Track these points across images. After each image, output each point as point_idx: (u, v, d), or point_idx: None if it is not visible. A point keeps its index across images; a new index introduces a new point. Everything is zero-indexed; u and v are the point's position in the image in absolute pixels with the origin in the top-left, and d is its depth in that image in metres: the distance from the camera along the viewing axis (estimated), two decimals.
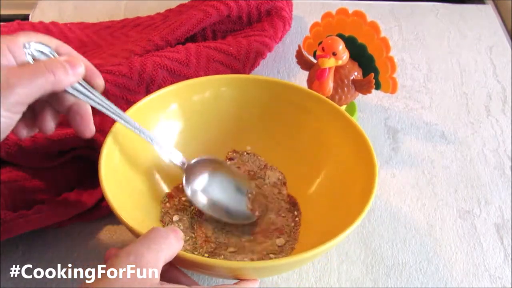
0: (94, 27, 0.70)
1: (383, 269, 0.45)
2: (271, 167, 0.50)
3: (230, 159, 0.50)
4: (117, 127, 0.42)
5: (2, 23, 0.66)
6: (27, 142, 0.45)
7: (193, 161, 0.45)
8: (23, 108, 0.33)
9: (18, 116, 0.33)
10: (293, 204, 0.47)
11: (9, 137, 0.45)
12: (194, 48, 0.58)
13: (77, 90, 0.36)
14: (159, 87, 0.53)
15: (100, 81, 0.39)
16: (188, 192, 0.45)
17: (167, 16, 0.70)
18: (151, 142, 0.42)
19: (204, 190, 0.46)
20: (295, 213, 0.46)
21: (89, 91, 0.37)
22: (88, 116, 0.38)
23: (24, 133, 0.37)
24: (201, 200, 0.45)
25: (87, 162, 0.48)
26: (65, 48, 0.38)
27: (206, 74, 0.57)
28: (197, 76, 0.56)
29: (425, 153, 0.56)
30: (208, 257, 0.42)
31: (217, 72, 0.58)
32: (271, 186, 0.49)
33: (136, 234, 0.35)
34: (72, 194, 0.47)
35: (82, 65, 0.36)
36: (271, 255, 0.42)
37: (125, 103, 0.54)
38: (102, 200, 0.47)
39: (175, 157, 0.45)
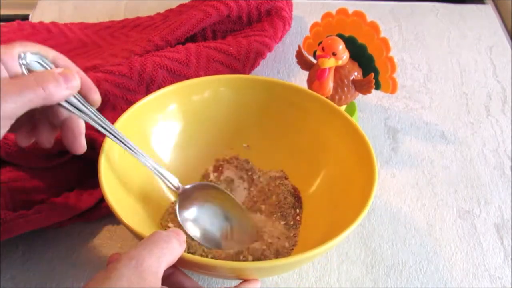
0: (94, 27, 0.70)
1: (383, 269, 0.45)
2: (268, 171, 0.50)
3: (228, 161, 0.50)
4: (117, 127, 0.42)
5: (2, 23, 0.66)
6: None
7: (188, 186, 0.44)
8: (11, 122, 0.32)
9: (5, 130, 0.32)
10: (297, 198, 0.47)
11: (9, 137, 0.45)
12: (194, 48, 0.58)
13: (72, 104, 0.35)
14: (159, 87, 0.53)
15: (96, 96, 0.38)
16: (180, 219, 0.43)
17: (167, 16, 0.70)
18: (145, 164, 0.40)
19: (196, 219, 0.44)
20: (297, 210, 0.46)
21: (84, 105, 0.36)
22: (79, 132, 0.36)
23: (24, 142, 0.37)
24: (193, 229, 0.43)
25: (87, 162, 0.48)
26: (62, 59, 0.36)
27: (206, 74, 0.57)
28: (197, 76, 0.56)
29: (425, 153, 0.56)
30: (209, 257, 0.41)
31: (217, 72, 0.58)
32: (269, 179, 0.49)
33: (135, 235, 0.35)
34: (72, 194, 0.47)
35: (77, 79, 0.35)
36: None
37: (125, 103, 0.54)
38: (102, 200, 0.47)
39: (171, 181, 0.42)
